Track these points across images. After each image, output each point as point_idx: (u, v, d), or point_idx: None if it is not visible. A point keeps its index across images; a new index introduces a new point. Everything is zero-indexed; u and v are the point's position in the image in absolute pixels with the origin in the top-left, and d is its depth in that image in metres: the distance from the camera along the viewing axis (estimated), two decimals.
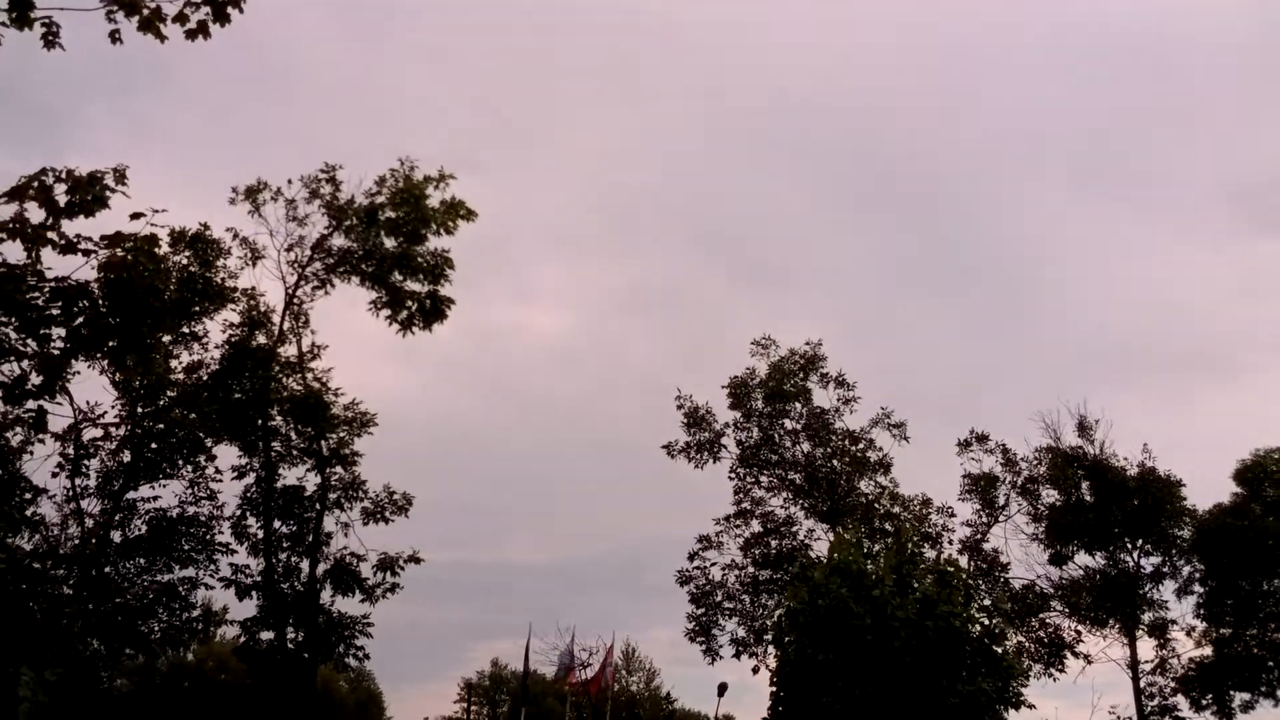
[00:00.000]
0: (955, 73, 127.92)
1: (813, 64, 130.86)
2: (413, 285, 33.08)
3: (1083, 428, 41.58)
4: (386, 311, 33.23)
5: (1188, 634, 40.09)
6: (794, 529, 39.71)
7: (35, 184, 13.69)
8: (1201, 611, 40.03)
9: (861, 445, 39.91)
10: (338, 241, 33.21)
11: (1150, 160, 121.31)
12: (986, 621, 24.39)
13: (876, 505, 39.17)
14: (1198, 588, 39.94)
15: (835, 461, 39.76)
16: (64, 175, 13.65)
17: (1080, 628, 39.99)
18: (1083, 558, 40.94)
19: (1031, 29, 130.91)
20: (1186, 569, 40.24)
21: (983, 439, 41.03)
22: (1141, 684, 39.37)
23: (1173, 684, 39.57)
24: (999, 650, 23.86)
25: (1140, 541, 40.54)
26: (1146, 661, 39.93)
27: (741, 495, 40.42)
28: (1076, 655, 39.44)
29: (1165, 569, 40.39)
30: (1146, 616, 40.09)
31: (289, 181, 33.06)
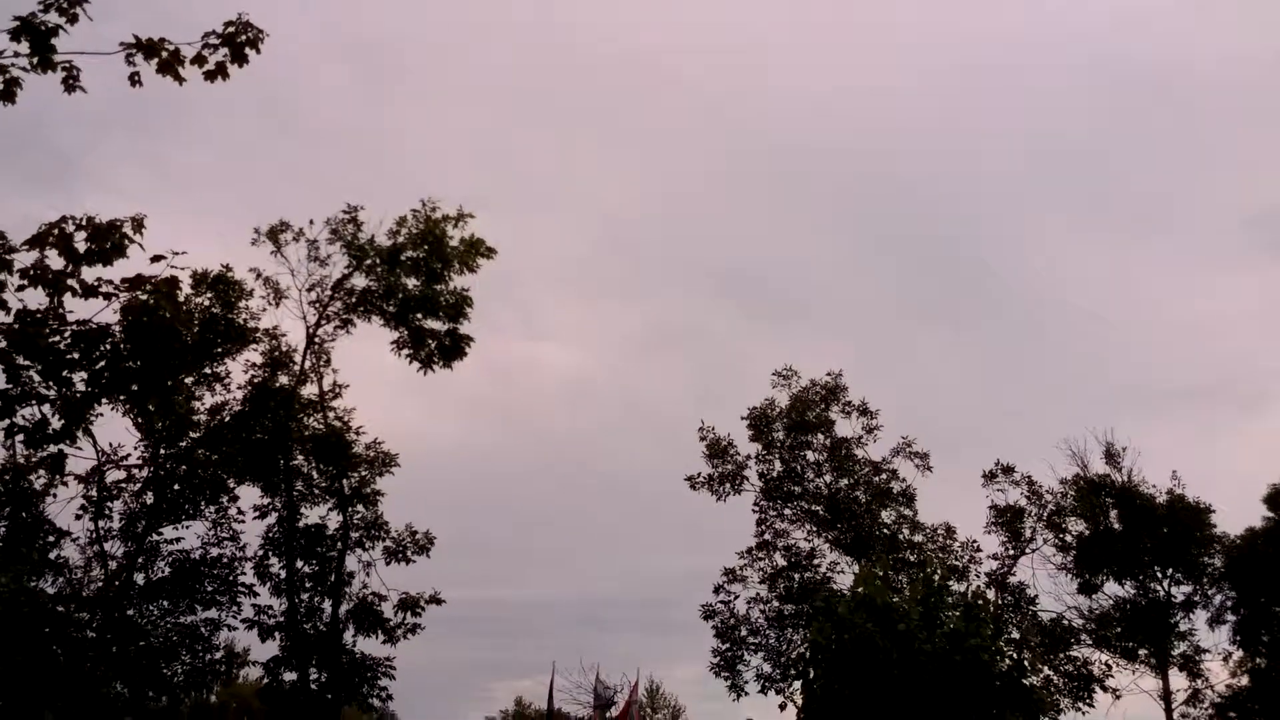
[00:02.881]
0: (971, 109, 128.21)
1: (829, 104, 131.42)
2: (432, 324, 33.24)
3: (1110, 456, 41.27)
4: (407, 351, 33.38)
5: (1224, 660, 39.51)
6: (816, 561, 39.41)
7: (55, 231, 13.78)
8: (1237, 639, 39.45)
9: (884, 476, 39.63)
10: (359, 281, 33.42)
11: (1166, 189, 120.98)
12: (1015, 655, 24.04)
13: (899, 536, 38.83)
14: (1230, 616, 39.40)
15: (859, 492, 39.48)
16: (84, 223, 13.74)
17: (1111, 660, 39.42)
18: (1112, 587, 40.51)
19: (1046, 64, 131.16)
20: (1218, 597, 39.72)
21: (1008, 470, 40.66)
22: (1175, 716, 38.73)
23: (1208, 715, 38.92)
24: (1028, 684, 23.48)
25: (1170, 570, 40.03)
26: (1179, 691, 39.34)
27: (764, 527, 40.19)
28: (1106, 689, 38.85)
29: (1196, 597, 39.86)
30: (1179, 647, 39.50)
31: (310, 222, 33.37)
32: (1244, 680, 38.95)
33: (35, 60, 12.12)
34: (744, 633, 39.00)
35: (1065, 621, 40.00)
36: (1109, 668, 39.15)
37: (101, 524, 31.34)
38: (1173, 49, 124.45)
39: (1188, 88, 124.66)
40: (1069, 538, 40.43)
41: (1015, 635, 33.37)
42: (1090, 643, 39.89)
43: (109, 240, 13.77)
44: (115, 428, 40.24)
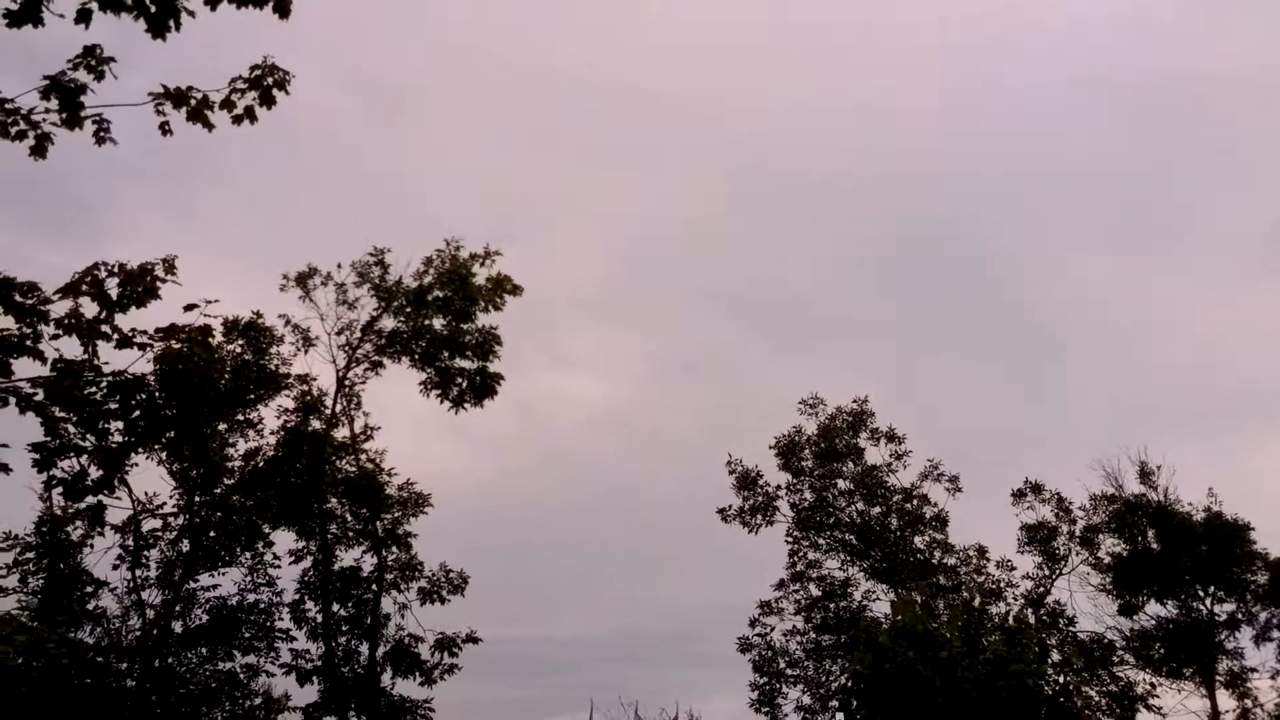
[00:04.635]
0: (991, 128, 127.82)
1: (843, 128, 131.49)
2: (461, 363, 33.38)
3: (1145, 474, 40.89)
4: (437, 391, 33.52)
5: (1273, 678, 38.87)
6: (851, 590, 39.15)
7: (88, 279, 14.00)
8: None
9: (916, 501, 39.41)
10: (387, 323, 33.60)
11: (1188, 201, 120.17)
12: (1060, 680, 23.78)
13: (933, 560, 38.56)
14: (1277, 633, 38.82)
15: (891, 519, 39.27)
16: (115, 269, 13.96)
17: (1155, 679, 38.88)
18: (1154, 607, 40.02)
19: (1064, 81, 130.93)
20: (1263, 615, 39.16)
21: (1038, 489, 40.39)
22: None
23: None
24: (1073, 708, 23.21)
25: (1212, 588, 39.53)
26: (1227, 712, 38.71)
27: (796, 558, 40.00)
28: (1150, 709, 38.30)
29: (1240, 615, 39.32)
30: (1223, 665, 38.94)
31: (339, 266, 33.63)
32: None
33: (64, 116, 12.37)
34: (782, 665, 38.75)
35: (1105, 640, 39.52)
36: (1153, 687, 38.62)
37: (139, 573, 31.51)
38: (1189, 57, 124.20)
39: (1205, 97, 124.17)
40: (1105, 555, 40.05)
41: (1058, 658, 32.96)
42: (1133, 662, 39.38)
43: (141, 284, 14.00)
44: (150, 476, 40.47)
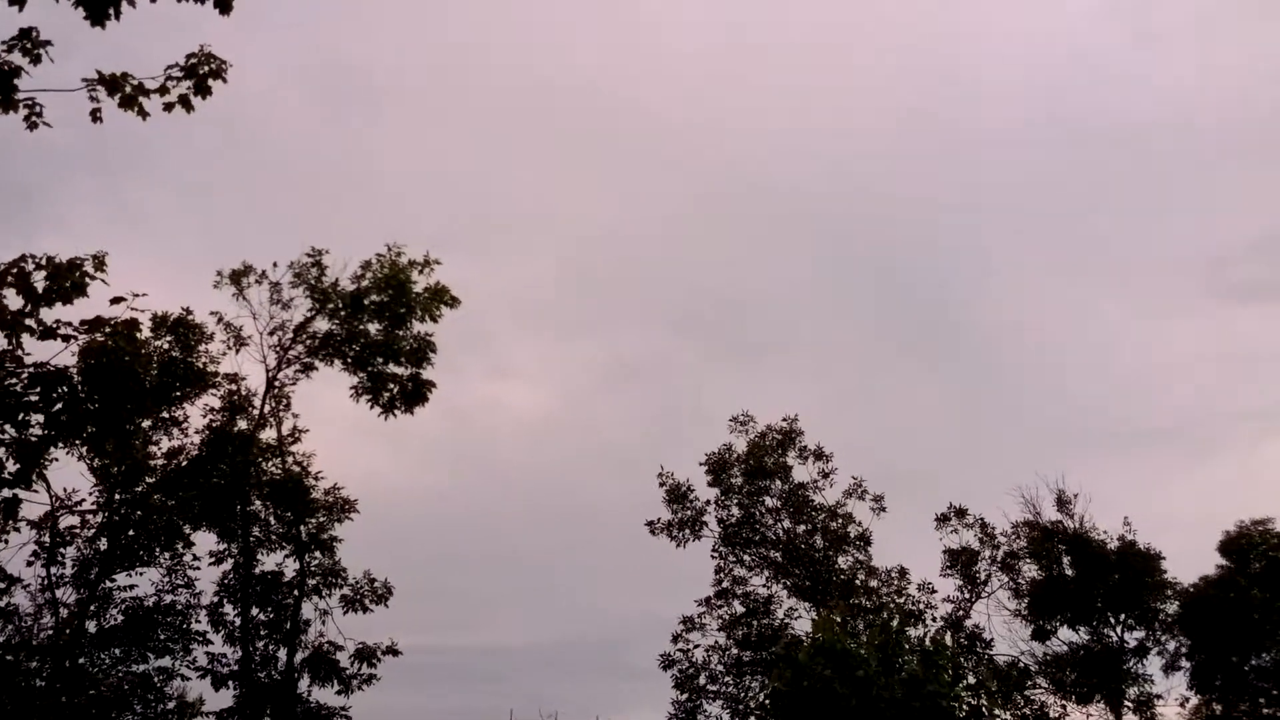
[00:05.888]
0: (933, 151, 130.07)
1: (794, 142, 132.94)
2: (394, 369, 33.19)
3: (1062, 502, 41.71)
4: (367, 396, 33.26)
5: (1182, 705, 39.89)
6: (774, 608, 39.53)
7: (14, 271, 13.77)
8: (1194, 685, 39.86)
9: (841, 520, 39.89)
10: (321, 325, 33.33)
11: (1125, 232, 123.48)
12: (973, 701, 24.23)
13: (855, 580, 39.05)
14: (1185, 662, 39.82)
15: (816, 538, 39.71)
16: (43, 262, 13.74)
17: (1066, 704, 39.70)
18: (1066, 633, 40.85)
19: (1006, 110, 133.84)
20: (1172, 644, 40.16)
21: (961, 513, 41.09)
22: None
23: None
24: None
25: (1123, 616, 40.46)
26: None
27: (723, 574, 40.29)
28: None
29: (1150, 644, 40.28)
30: (1132, 691, 39.84)
31: (274, 265, 33.33)
32: None
33: None
34: (703, 681, 38.94)
35: (1021, 664, 40.29)
36: (1064, 709, 39.45)
37: (54, 570, 30.90)
38: (1131, 94, 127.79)
39: (1146, 131, 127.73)
40: (1023, 581, 40.82)
41: (973, 680, 33.48)
42: (1046, 687, 40.16)
43: (69, 279, 13.79)
44: (69, 472, 39.75)
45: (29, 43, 12.02)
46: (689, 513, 40.43)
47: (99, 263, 14.19)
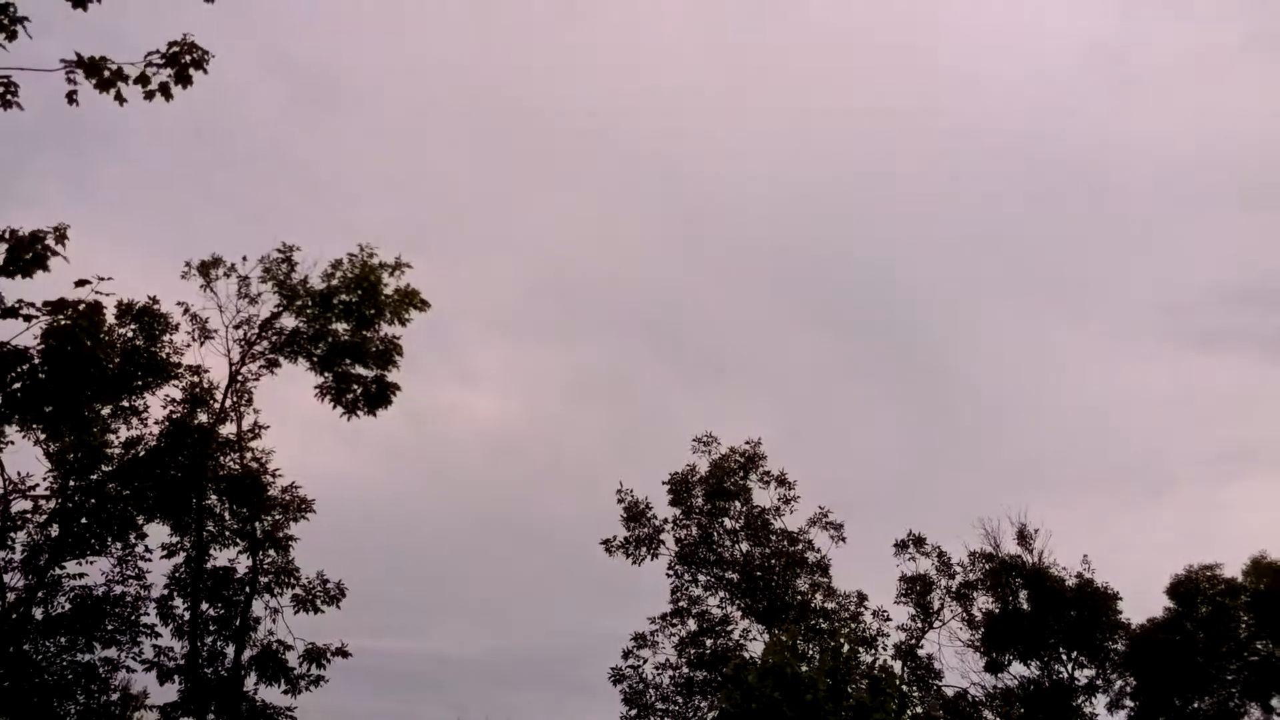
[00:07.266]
0: (894, 184, 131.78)
1: (759, 169, 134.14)
2: (360, 370, 33.02)
3: (1022, 537, 42.12)
4: (331, 396, 33.06)
5: None
6: (729, 628, 39.51)
7: None
8: None
9: (800, 546, 39.98)
10: (288, 322, 33.11)
11: (1085, 273, 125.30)
12: None
13: (812, 604, 39.11)
14: (1129, 702, 40.17)
15: (774, 561, 39.76)
16: (5, 234, 13.57)
17: None
18: (1018, 667, 41.10)
19: (969, 144, 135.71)
20: (1119, 683, 40.50)
21: (920, 542, 41.37)
22: None
23: None
24: None
25: (1075, 653, 40.76)
26: None
27: (679, 594, 40.24)
28: None
29: (1099, 681, 40.60)
30: None
31: (244, 258, 33.08)
32: None
33: None
34: (652, 698, 38.84)
35: (970, 697, 40.47)
36: None
37: (2, 554, 30.50)
38: (1093, 134, 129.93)
39: (1105, 172, 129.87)
40: (977, 612, 41.08)
41: (920, 710, 33.65)
42: (994, 719, 40.36)
43: (30, 251, 13.60)
44: (24, 456, 39.29)
45: (5, 18, 11.90)
46: (646, 530, 40.40)
47: (60, 235, 13.99)
